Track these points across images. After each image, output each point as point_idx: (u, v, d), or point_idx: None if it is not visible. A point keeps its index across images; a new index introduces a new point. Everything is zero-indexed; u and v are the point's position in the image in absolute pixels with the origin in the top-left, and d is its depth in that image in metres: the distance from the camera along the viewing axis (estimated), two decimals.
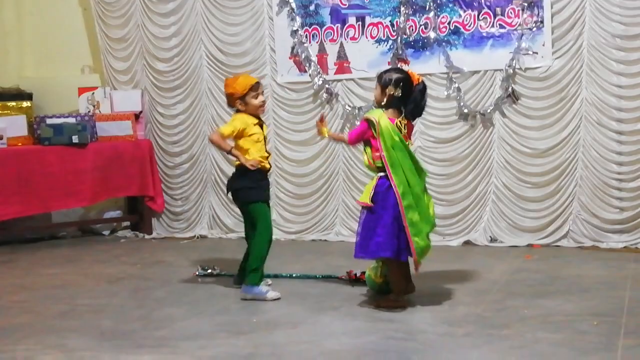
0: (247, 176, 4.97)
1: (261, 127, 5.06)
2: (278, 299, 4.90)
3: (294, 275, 5.54)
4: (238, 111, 5.05)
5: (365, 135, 4.65)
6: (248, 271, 4.99)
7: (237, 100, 4.99)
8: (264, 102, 5.08)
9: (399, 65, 6.56)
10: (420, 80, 4.69)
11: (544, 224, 6.45)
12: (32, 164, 7.07)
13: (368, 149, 4.66)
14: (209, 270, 5.73)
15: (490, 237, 6.59)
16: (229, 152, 5.02)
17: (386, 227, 4.53)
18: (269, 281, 5.18)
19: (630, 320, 4.22)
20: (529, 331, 4.10)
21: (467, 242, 6.60)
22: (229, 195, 5.24)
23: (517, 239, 6.49)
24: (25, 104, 7.54)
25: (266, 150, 5.07)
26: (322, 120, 4.99)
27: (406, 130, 4.68)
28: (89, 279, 5.82)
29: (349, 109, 6.91)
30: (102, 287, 5.54)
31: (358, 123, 6.78)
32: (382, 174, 4.61)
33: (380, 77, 4.71)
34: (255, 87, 5.01)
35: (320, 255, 6.31)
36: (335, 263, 5.87)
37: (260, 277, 4.97)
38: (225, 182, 7.37)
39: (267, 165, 5.06)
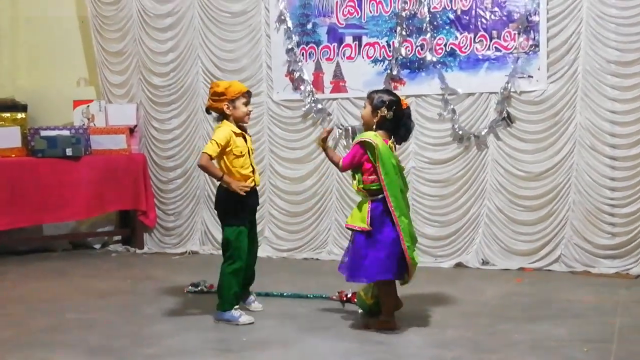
0: (227, 196, 4.83)
1: (245, 139, 4.91)
2: (251, 323, 4.79)
3: (284, 294, 5.52)
4: (222, 118, 4.90)
5: (359, 159, 4.57)
6: (218, 296, 4.88)
7: (225, 102, 4.82)
8: (250, 111, 4.97)
9: (392, 86, 6.60)
10: (407, 105, 4.70)
11: (536, 247, 6.44)
12: (24, 176, 7.05)
13: (359, 175, 4.60)
14: (200, 287, 5.71)
15: (482, 259, 6.58)
16: (221, 179, 4.80)
17: (386, 250, 4.50)
18: (252, 298, 5.13)
19: (621, 347, 4.21)
20: (518, 356, 4.09)
21: (459, 264, 6.59)
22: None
23: (509, 262, 6.48)
24: (20, 115, 7.51)
25: (251, 164, 4.93)
26: (328, 133, 4.90)
27: (395, 151, 4.70)
28: (79, 293, 5.80)
29: (342, 128, 6.91)
30: (92, 301, 5.51)
31: (352, 142, 6.84)
32: (372, 197, 4.57)
33: (371, 97, 4.67)
34: (247, 95, 4.92)
35: (311, 275, 6.29)
36: (326, 282, 5.83)
37: (230, 303, 4.83)
38: None
39: (253, 183, 4.91)
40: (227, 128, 4.83)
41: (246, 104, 4.90)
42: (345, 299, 5.27)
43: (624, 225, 6.19)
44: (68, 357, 4.16)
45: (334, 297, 5.36)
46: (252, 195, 4.94)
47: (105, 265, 6.92)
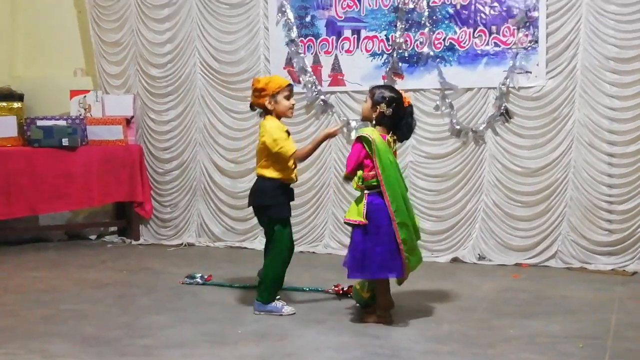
0: (273, 190, 4.80)
1: (288, 133, 4.87)
2: (294, 313, 4.82)
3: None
4: (265, 113, 4.84)
5: (361, 156, 4.53)
6: (260, 289, 4.89)
7: (267, 98, 4.77)
8: (293, 105, 4.90)
9: (394, 79, 6.58)
10: (409, 103, 4.67)
11: (532, 243, 6.44)
12: (20, 166, 7.02)
13: (360, 172, 4.56)
14: (195, 279, 5.70)
15: (479, 254, 6.57)
16: (319, 144, 4.80)
17: (384, 245, 4.50)
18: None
19: (616, 343, 4.22)
20: (513, 352, 4.09)
21: (455, 259, 6.59)
22: (251, 209, 5.01)
23: (506, 258, 6.48)
24: (16, 104, 7.48)
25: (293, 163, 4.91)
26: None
27: (394, 147, 4.67)
28: (74, 283, 5.78)
29: (343, 121, 6.89)
30: (87, 292, 5.50)
31: (351, 135, 6.84)
32: (369, 191, 4.56)
33: (372, 92, 4.65)
34: (289, 89, 4.85)
35: (308, 268, 6.27)
36: (322, 276, 5.85)
37: (272, 296, 4.86)
38: (214, 189, 7.42)
39: (295, 179, 4.91)
40: (274, 122, 4.80)
41: (288, 97, 4.84)
42: (341, 292, 5.28)
43: (621, 222, 6.19)
44: (63, 348, 4.15)
45: (330, 290, 5.36)
46: (291, 191, 4.95)
47: (100, 256, 6.90)
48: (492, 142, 6.52)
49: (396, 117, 4.61)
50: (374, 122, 4.62)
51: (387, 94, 4.62)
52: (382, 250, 4.50)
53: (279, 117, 4.86)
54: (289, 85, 4.89)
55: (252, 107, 4.98)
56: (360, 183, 4.59)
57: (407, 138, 4.82)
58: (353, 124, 6.82)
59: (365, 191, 4.57)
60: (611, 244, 6.22)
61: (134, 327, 4.58)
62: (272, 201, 4.83)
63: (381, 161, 4.48)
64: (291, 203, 4.97)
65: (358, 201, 4.62)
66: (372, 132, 4.55)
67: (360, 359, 4.00)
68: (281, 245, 4.86)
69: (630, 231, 6.16)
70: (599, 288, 5.58)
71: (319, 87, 6.96)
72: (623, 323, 4.63)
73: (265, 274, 4.87)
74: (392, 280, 4.69)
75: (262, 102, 4.83)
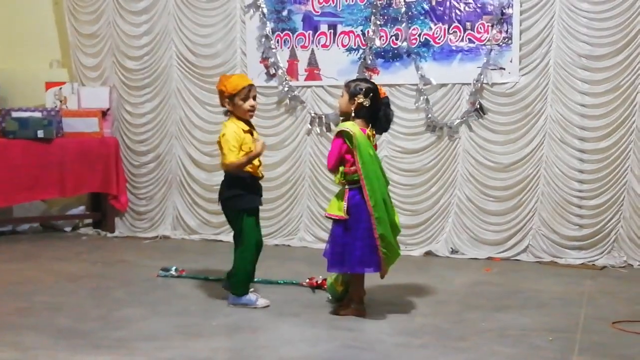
0: (237, 184, 4.79)
1: (251, 134, 4.82)
2: (268, 306, 4.86)
3: (255, 280, 5.52)
4: (228, 113, 4.84)
5: (342, 151, 4.55)
6: (233, 281, 4.90)
7: (225, 99, 4.77)
8: (253, 106, 4.81)
9: (366, 75, 6.62)
10: (384, 95, 4.72)
11: (504, 237, 6.52)
12: None
13: (341, 167, 4.57)
14: (170, 272, 5.71)
15: (452, 248, 6.64)
16: (251, 159, 4.71)
17: (364, 241, 4.53)
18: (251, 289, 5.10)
19: (585, 337, 4.29)
20: (485, 344, 4.15)
21: (429, 253, 6.65)
22: (219, 205, 4.98)
23: (478, 252, 6.55)
24: None
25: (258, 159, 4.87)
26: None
27: (374, 140, 4.72)
28: (48, 275, 5.77)
29: (316, 115, 6.92)
30: (61, 284, 5.49)
31: (324, 129, 6.89)
32: (351, 185, 4.58)
33: (348, 85, 4.68)
34: (246, 90, 4.77)
35: (282, 261, 6.31)
36: (297, 269, 5.89)
37: (246, 288, 4.89)
38: (191, 183, 7.43)
39: (260, 174, 4.87)
40: (233, 127, 4.74)
41: (245, 99, 4.77)
42: (315, 285, 5.31)
43: (591, 217, 6.29)
44: (37, 340, 4.15)
45: (304, 283, 5.40)
46: (256, 185, 4.90)
47: (75, 248, 6.88)
48: (466, 137, 6.58)
49: (374, 108, 4.64)
50: (352, 115, 4.64)
51: (363, 85, 4.65)
52: (361, 245, 4.54)
53: (239, 118, 4.82)
54: (249, 86, 4.81)
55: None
56: (342, 179, 4.61)
57: (386, 129, 4.83)
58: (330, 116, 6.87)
59: (347, 186, 4.60)
60: (581, 239, 6.31)
61: (109, 319, 4.59)
62: (242, 191, 4.81)
63: (361, 155, 4.50)
64: (264, 196, 4.97)
65: (339, 196, 4.65)
66: (353, 126, 4.56)
67: (333, 351, 4.04)
68: (250, 236, 4.84)
69: (600, 226, 6.26)
70: (569, 282, 5.67)
71: (290, 83, 6.98)
72: (592, 317, 4.70)
73: (237, 267, 4.88)
74: (373, 274, 4.72)
75: (222, 104, 4.83)
